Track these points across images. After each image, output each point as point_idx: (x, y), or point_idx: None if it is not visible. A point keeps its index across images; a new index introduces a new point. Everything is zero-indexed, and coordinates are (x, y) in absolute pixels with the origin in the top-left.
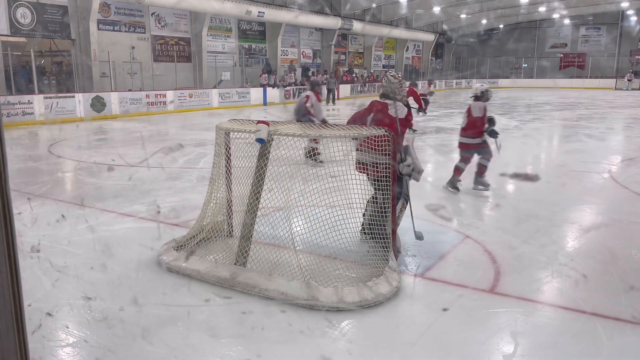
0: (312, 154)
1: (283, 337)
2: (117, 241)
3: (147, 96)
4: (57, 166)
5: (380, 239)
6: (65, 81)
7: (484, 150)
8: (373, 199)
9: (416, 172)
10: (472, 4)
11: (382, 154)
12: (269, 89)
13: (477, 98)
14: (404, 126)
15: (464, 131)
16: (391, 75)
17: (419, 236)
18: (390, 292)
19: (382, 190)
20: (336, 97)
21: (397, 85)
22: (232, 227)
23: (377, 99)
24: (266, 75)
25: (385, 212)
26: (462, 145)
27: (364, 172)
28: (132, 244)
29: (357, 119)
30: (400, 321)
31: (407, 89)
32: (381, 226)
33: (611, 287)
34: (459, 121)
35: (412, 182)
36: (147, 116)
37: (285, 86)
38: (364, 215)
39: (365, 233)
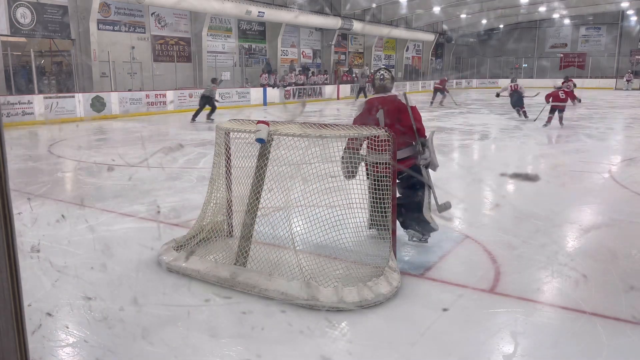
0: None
1: (283, 337)
2: (117, 241)
3: (147, 96)
4: (57, 166)
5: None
6: (65, 81)
7: None
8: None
9: (432, 165)
10: (472, 4)
11: (383, 152)
12: (268, 89)
13: None
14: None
15: None
16: (384, 70)
17: (445, 207)
18: (390, 292)
19: (383, 189)
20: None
21: (391, 80)
22: (232, 227)
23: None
24: (266, 75)
25: (386, 209)
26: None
27: (378, 172)
28: (132, 244)
29: (361, 121)
30: (400, 321)
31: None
32: (383, 224)
33: (611, 287)
34: (459, 121)
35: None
36: (147, 116)
37: (285, 86)
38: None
39: (376, 226)
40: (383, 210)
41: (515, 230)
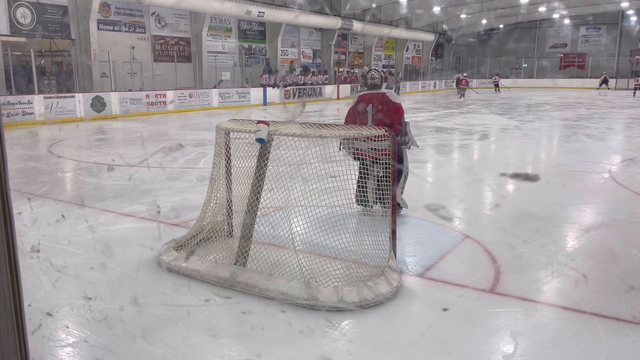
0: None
1: (283, 337)
2: (117, 241)
3: (147, 96)
4: (57, 166)
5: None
6: (65, 81)
7: None
8: (367, 175)
9: (413, 145)
10: (472, 4)
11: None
12: (268, 89)
13: None
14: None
15: None
16: (375, 70)
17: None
18: (390, 292)
19: (384, 168)
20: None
21: (380, 79)
22: (232, 227)
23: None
24: (267, 75)
25: (387, 184)
26: None
27: (362, 156)
28: (132, 244)
29: (353, 117)
30: (401, 321)
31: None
32: (386, 197)
33: (611, 287)
34: (459, 121)
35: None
36: (147, 116)
37: (285, 86)
38: (358, 187)
39: (361, 203)
40: (365, 187)
41: (515, 230)
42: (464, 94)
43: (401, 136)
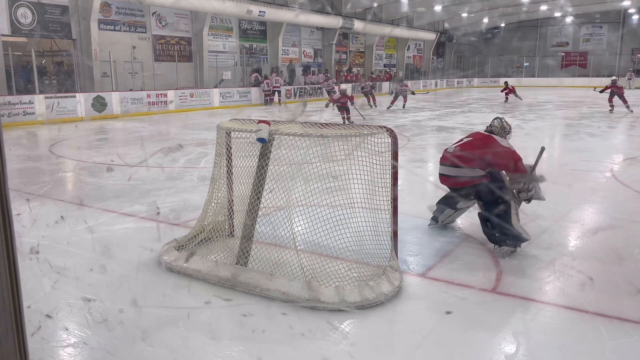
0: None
1: (284, 339)
2: (117, 242)
3: (148, 96)
4: (58, 166)
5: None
6: (65, 81)
7: None
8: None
9: (537, 197)
10: (473, 2)
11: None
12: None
13: None
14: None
15: None
16: (498, 119)
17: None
18: (391, 291)
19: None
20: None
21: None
22: (233, 227)
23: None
24: (257, 75)
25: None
26: None
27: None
28: (132, 244)
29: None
30: (402, 322)
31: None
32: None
33: (614, 287)
34: (460, 120)
35: (416, 181)
36: (147, 116)
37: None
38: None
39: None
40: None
41: None
42: (507, 99)
43: (525, 184)
